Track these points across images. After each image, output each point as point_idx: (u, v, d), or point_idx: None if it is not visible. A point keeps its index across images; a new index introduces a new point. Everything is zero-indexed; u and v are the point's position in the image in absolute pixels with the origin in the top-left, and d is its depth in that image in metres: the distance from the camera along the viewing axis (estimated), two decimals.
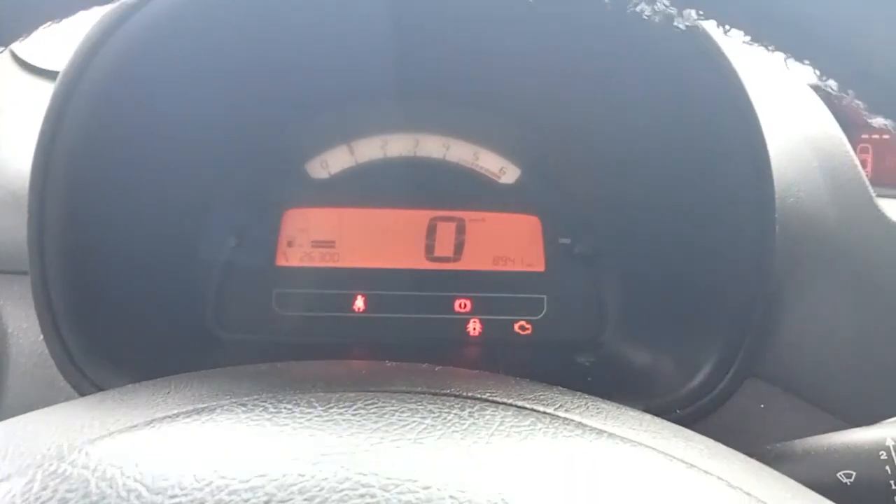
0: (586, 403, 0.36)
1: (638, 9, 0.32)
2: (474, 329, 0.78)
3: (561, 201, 0.79)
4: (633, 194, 0.72)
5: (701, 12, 0.31)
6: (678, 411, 0.62)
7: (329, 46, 0.68)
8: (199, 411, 0.28)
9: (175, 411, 0.29)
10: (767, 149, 0.57)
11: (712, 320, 0.64)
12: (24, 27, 0.28)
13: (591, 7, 0.54)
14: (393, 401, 0.29)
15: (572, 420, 0.31)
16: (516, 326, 0.78)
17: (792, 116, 0.71)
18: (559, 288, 0.79)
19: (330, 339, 0.77)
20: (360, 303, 0.78)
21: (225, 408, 0.28)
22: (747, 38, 0.30)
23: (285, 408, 0.28)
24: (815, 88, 0.78)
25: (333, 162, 0.79)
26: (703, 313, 0.65)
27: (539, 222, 0.80)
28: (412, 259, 0.80)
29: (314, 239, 0.79)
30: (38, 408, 0.66)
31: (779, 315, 0.62)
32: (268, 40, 0.65)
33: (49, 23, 0.28)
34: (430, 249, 0.80)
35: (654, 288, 0.71)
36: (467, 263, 0.79)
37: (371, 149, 0.79)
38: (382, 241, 0.79)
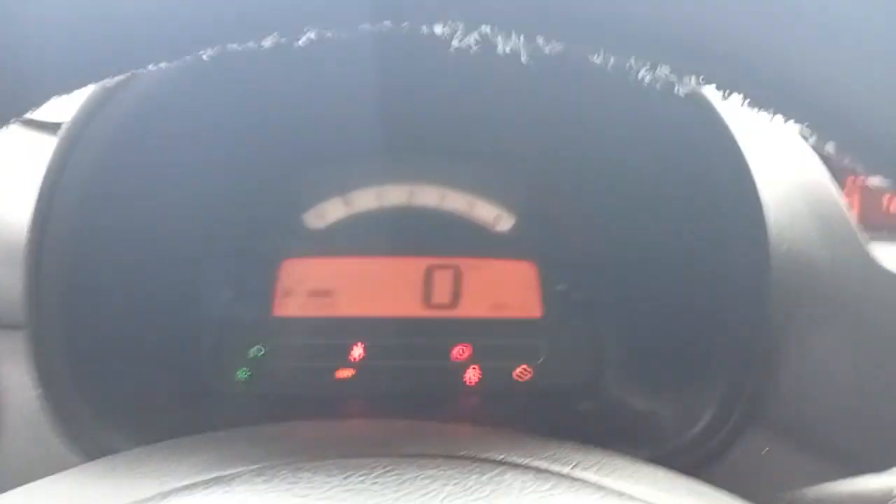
0: (600, 461, 0.35)
1: (639, 76, 0.33)
2: (473, 376, 0.78)
3: (556, 248, 0.80)
4: (628, 242, 0.73)
5: (701, 79, 0.31)
6: (681, 459, 0.62)
7: (322, 104, 0.69)
8: (216, 481, 0.28)
9: (190, 481, 0.29)
10: (760, 199, 0.58)
11: (711, 367, 0.64)
12: (34, 100, 0.28)
13: (588, 68, 0.56)
14: (411, 466, 0.29)
15: (589, 481, 0.31)
16: (515, 373, 0.78)
17: (781, 162, 0.72)
18: (557, 334, 0.79)
19: (328, 390, 0.77)
20: (357, 351, 0.78)
21: (243, 478, 0.28)
22: (746, 103, 0.31)
23: (304, 476, 0.28)
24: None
25: (330, 212, 0.80)
26: (702, 360, 0.65)
27: (535, 269, 0.80)
28: (409, 307, 0.79)
29: (311, 288, 0.79)
30: (32, 466, 0.65)
31: (778, 361, 0.63)
32: (263, 99, 0.66)
33: (60, 94, 0.28)
34: (427, 297, 0.80)
35: (651, 335, 0.72)
36: (465, 310, 0.80)
37: (366, 199, 0.80)
38: (379, 289, 0.79)
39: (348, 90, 0.67)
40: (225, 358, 0.76)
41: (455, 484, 0.27)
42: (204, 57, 0.30)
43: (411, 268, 0.80)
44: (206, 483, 0.28)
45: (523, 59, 0.31)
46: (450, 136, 0.75)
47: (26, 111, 0.28)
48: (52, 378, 0.59)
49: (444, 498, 0.26)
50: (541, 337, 0.79)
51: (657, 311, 0.71)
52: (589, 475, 0.32)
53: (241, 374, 0.76)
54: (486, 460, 0.31)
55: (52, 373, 0.59)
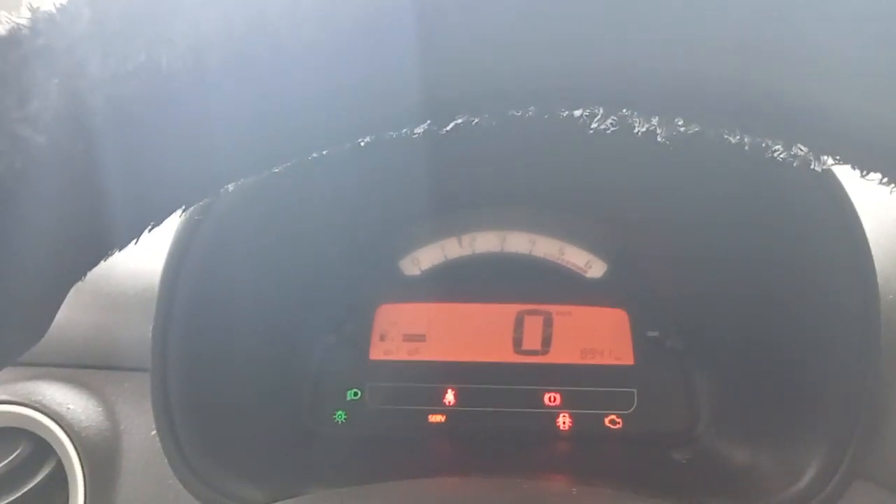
0: None
1: (775, 154, 0.33)
2: (564, 423, 0.78)
3: (648, 295, 0.80)
4: (725, 290, 0.72)
5: (838, 158, 0.32)
6: None
7: (417, 156, 0.71)
8: None
9: None
10: (868, 243, 0.58)
11: (815, 418, 0.63)
12: (133, 234, 0.27)
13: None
14: None
15: None
16: (607, 420, 0.78)
17: (881, 204, 0.71)
18: (650, 381, 0.79)
19: (422, 433, 0.78)
20: (450, 396, 0.80)
21: None
22: (884, 181, 0.31)
23: None
24: None
25: (424, 259, 0.82)
26: (805, 411, 0.64)
27: (627, 316, 0.81)
28: (500, 352, 0.81)
29: (405, 333, 0.81)
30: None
31: (886, 413, 0.61)
32: (362, 153, 0.69)
33: (157, 223, 0.28)
34: (517, 343, 0.81)
35: (749, 383, 0.71)
36: (555, 357, 0.80)
37: (459, 246, 0.82)
38: (471, 334, 0.81)
39: (442, 143, 0.70)
40: (325, 401, 0.79)
41: None
42: (361, 144, 0.33)
43: (502, 314, 0.82)
44: None
45: (659, 139, 0.33)
46: (541, 190, 0.77)
47: (126, 244, 0.29)
48: (171, 420, 0.62)
49: None
50: (633, 384, 0.79)
51: (756, 359, 0.70)
52: None
53: (339, 416, 0.79)
54: None
55: (172, 415, 0.62)
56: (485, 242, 0.82)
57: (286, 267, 0.71)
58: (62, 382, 0.72)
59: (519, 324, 0.81)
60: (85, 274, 0.28)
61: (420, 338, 0.81)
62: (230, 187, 0.30)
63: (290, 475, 0.68)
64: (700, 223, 0.72)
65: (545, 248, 0.82)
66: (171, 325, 0.60)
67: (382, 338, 0.81)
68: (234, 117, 0.25)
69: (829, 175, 0.58)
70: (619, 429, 0.78)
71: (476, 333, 0.81)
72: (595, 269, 0.82)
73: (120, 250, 0.28)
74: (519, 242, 0.82)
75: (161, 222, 0.29)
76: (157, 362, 0.61)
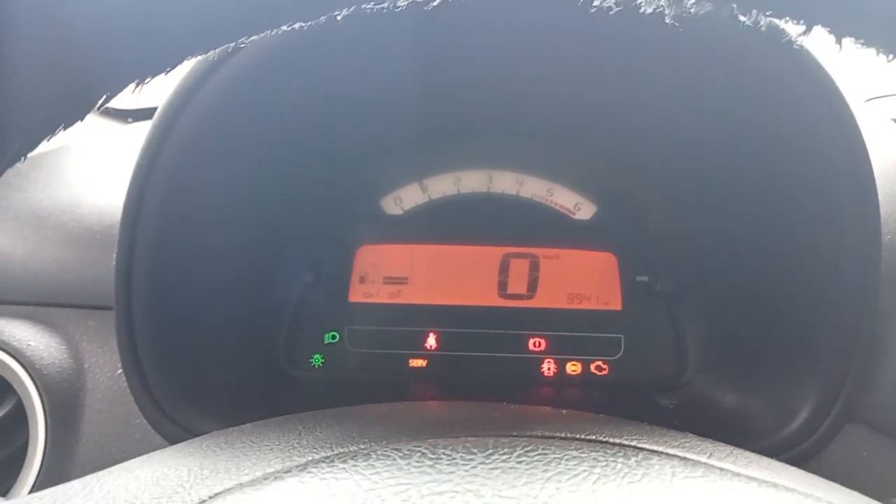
0: (732, 452, 0.34)
1: (793, 38, 0.31)
2: (549, 369, 0.76)
3: (638, 238, 0.78)
4: (719, 230, 0.70)
5: (861, 41, 0.29)
6: (773, 457, 0.59)
7: (402, 88, 0.67)
8: (353, 455, 0.27)
9: (322, 454, 0.28)
10: (875, 183, 0.55)
11: (809, 361, 0.61)
12: (123, 83, 0.27)
13: (699, 38, 0.53)
14: (552, 447, 0.27)
15: (734, 471, 0.29)
16: (593, 366, 0.76)
17: (880, 150, 0.68)
18: (637, 327, 0.77)
19: (402, 378, 0.76)
20: (432, 340, 0.77)
21: (378, 454, 0.27)
22: (891, 58, 0.29)
23: (443, 454, 0.26)
24: None
25: (407, 198, 0.79)
26: (799, 354, 0.62)
27: (615, 259, 0.78)
28: (485, 296, 0.78)
29: (386, 275, 0.78)
30: (113, 444, 0.65)
31: (881, 356, 0.59)
32: (344, 85, 0.65)
33: (148, 79, 0.28)
34: (502, 286, 0.78)
35: (742, 327, 0.69)
36: (541, 301, 0.78)
37: (444, 185, 0.79)
38: (455, 277, 0.78)
39: (428, 74, 0.66)
40: (301, 343, 0.76)
41: (604, 466, 0.26)
42: (338, 17, 0.29)
43: (487, 257, 0.79)
44: (342, 456, 0.27)
45: (667, 20, 0.30)
46: (529, 119, 0.73)
47: (116, 94, 0.28)
48: (137, 357, 0.59)
49: (597, 480, 0.25)
50: (620, 330, 0.77)
51: (749, 302, 0.68)
52: (728, 465, 0.30)
53: (316, 359, 0.76)
54: (623, 445, 0.30)
55: (137, 352, 0.59)
56: (471, 182, 0.79)
57: (258, 198, 0.67)
58: (23, 319, 0.68)
59: (504, 267, 0.78)
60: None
61: (402, 280, 0.78)
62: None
63: (264, 418, 0.65)
64: (694, 161, 0.69)
65: (533, 188, 0.79)
66: (134, 259, 0.57)
67: (362, 279, 0.78)
68: None
69: (839, 104, 0.54)
70: (605, 375, 0.76)
71: (460, 276, 0.78)
72: (584, 210, 0.79)
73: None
74: (506, 182, 0.79)
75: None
76: (120, 299, 0.58)
